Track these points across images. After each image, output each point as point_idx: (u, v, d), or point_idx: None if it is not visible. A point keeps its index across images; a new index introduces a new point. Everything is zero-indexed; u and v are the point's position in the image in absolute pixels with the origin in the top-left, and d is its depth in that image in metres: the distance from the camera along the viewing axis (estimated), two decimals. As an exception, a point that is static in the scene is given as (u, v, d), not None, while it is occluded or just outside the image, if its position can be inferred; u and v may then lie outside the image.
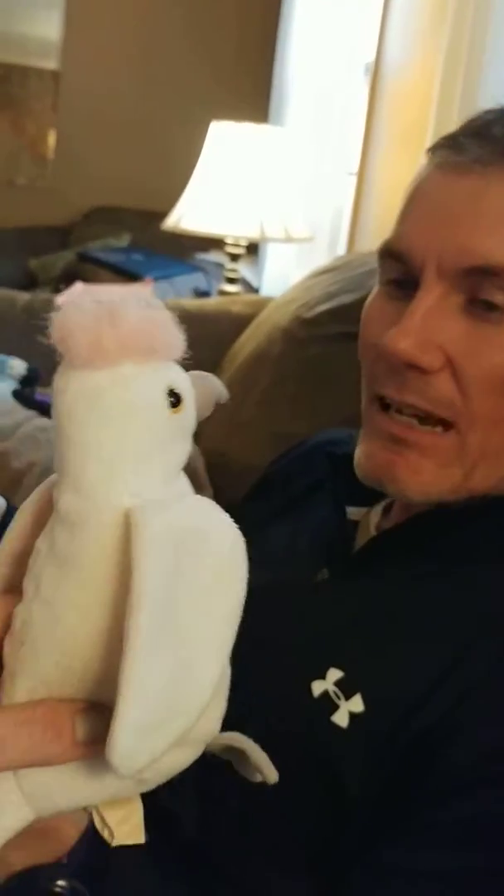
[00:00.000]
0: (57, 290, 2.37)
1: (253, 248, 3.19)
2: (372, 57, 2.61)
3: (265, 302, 2.10)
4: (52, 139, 4.20)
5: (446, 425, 0.72)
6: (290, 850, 0.73)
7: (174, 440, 0.48)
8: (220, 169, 2.49)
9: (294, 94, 3.19)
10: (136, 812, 0.54)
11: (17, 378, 2.12)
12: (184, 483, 0.51)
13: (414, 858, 0.66)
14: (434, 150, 0.75)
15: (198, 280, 3.34)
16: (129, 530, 0.45)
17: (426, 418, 0.72)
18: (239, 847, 0.74)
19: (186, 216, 2.52)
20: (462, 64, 2.01)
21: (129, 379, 0.45)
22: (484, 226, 0.69)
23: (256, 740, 0.76)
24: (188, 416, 0.49)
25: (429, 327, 0.70)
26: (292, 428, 1.53)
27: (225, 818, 0.75)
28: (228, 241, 2.57)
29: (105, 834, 0.52)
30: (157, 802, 0.76)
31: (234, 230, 2.49)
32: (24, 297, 2.11)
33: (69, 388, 0.45)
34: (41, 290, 3.25)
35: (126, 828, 0.53)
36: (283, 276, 3.01)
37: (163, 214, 2.66)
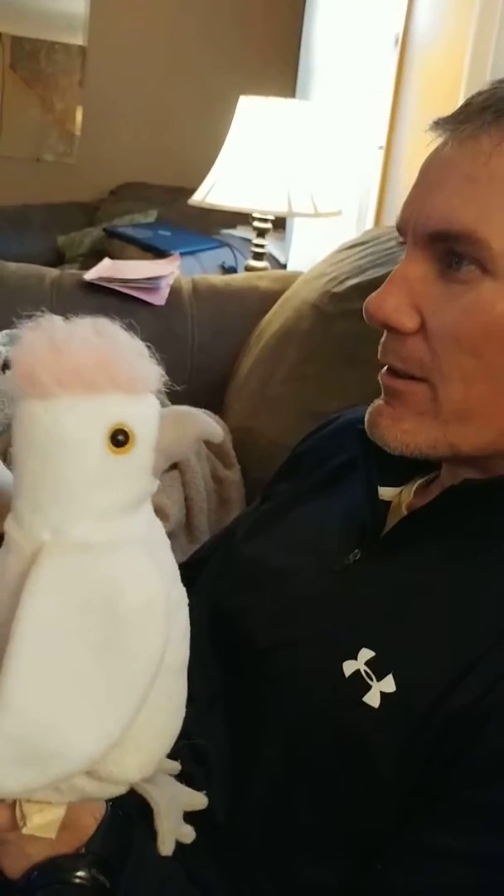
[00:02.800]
0: (85, 267, 2.37)
1: (279, 224, 3.17)
2: (400, 28, 2.57)
3: (292, 277, 2.07)
4: (79, 116, 4.19)
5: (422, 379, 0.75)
6: (321, 833, 0.73)
7: (116, 480, 0.48)
8: (247, 144, 2.47)
9: (321, 68, 3.16)
10: (55, 811, 0.56)
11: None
12: (136, 524, 0.50)
13: (448, 841, 0.66)
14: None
15: (224, 255, 3.33)
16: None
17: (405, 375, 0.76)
18: (269, 830, 0.74)
19: (214, 191, 2.51)
20: (493, 35, 1.97)
21: (62, 413, 0.46)
22: (446, 192, 0.72)
23: (289, 721, 0.76)
24: (140, 456, 0.48)
25: (405, 291, 0.74)
26: (321, 405, 1.52)
27: (255, 802, 0.75)
28: (255, 216, 2.55)
29: (20, 822, 0.55)
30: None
31: (262, 205, 2.47)
32: (52, 272, 2.10)
33: (18, 414, 0.46)
34: (69, 266, 3.25)
35: (39, 820, 0.55)
36: (310, 252, 2.99)
37: (190, 190, 2.64)
